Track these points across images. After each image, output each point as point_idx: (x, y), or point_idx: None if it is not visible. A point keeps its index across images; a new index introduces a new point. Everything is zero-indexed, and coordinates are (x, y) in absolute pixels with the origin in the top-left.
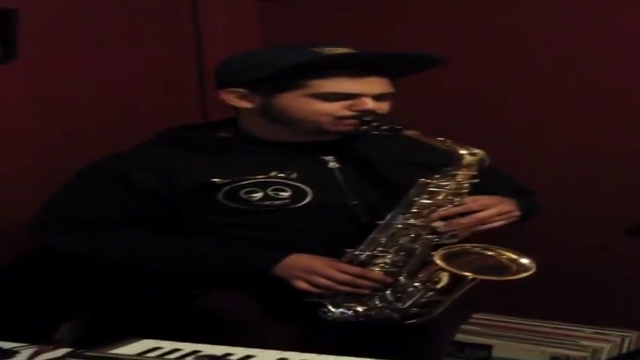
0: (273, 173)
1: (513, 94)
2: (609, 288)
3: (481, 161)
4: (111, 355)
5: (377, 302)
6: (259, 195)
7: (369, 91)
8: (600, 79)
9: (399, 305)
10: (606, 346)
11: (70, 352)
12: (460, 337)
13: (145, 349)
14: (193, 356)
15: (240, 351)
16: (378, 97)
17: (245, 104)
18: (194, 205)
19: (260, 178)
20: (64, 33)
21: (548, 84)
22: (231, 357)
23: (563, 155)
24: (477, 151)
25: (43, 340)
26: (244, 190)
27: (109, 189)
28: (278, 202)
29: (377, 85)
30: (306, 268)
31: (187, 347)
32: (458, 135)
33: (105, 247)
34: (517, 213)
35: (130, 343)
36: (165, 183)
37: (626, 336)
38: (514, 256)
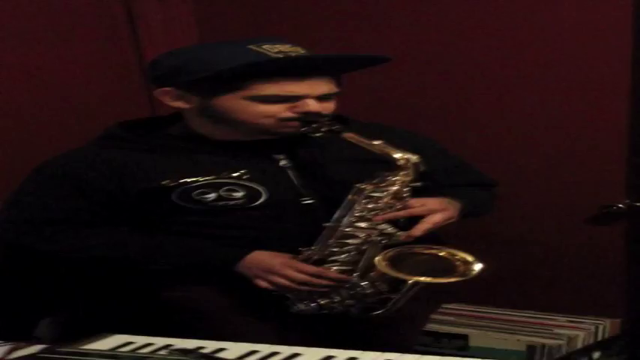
0: (225, 173)
1: (475, 83)
2: (582, 277)
3: (415, 166)
4: (84, 351)
5: (335, 297)
6: (212, 196)
7: (312, 92)
8: (561, 65)
9: (354, 302)
10: (581, 334)
11: (44, 349)
12: (436, 327)
13: (118, 344)
14: (165, 350)
15: (212, 344)
16: (321, 98)
17: (181, 104)
18: (149, 206)
19: (211, 179)
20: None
21: (509, 72)
22: (203, 350)
23: (532, 146)
24: (411, 156)
25: (22, 337)
26: (196, 192)
27: (63, 191)
28: (232, 203)
29: (320, 85)
30: (266, 268)
31: (159, 341)
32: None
33: (67, 247)
34: (455, 218)
35: (103, 338)
36: (118, 186)
37: (599, 324)
38: (462, 256)
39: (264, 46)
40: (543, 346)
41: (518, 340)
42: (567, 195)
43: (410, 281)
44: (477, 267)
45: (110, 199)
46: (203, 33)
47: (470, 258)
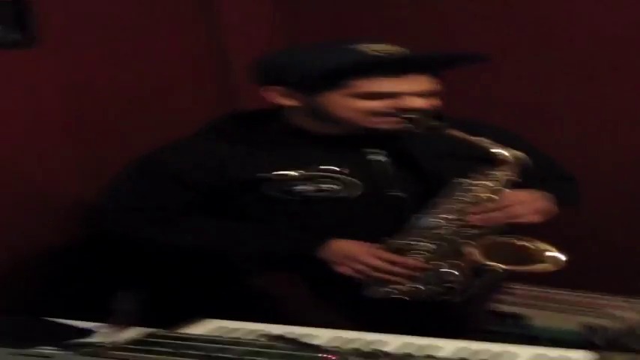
0: (323, 167)
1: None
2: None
3: (520, 162)
4: (186, 336)
5: (416, 284)
6: (308, 188)
7: (414, 90)
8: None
9: (435, 288)
10: (637, 315)
11: (149, 334)
12: (497, 306)
13: (211, 329)
14: (259, 335)
15: (300, 330)
16: (422, 95)
17: (288, 102)
18: (247, 196)
19: (309, 171)
20: (84, 18)
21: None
22: (292, 335)
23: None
24: (517, 153)
25: (101, 308)
26: (294, 183)
27: (163, 182)
28: (327, 195)
29: (421, 83)
30: (347, 255)
31: (253, 327)
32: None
33: (164, 233)
34: (553, 209)
35: (197, 323)
36: (216, 178)
37: None
38: (546, 248)
39: (362, 45)
40: (600, 326)
41: (576, 320)
42: (631, 181)
43: (500, 269)
44: (561, 257)
45: (208, 191)
46: (283, 27)
47: (551, 249)
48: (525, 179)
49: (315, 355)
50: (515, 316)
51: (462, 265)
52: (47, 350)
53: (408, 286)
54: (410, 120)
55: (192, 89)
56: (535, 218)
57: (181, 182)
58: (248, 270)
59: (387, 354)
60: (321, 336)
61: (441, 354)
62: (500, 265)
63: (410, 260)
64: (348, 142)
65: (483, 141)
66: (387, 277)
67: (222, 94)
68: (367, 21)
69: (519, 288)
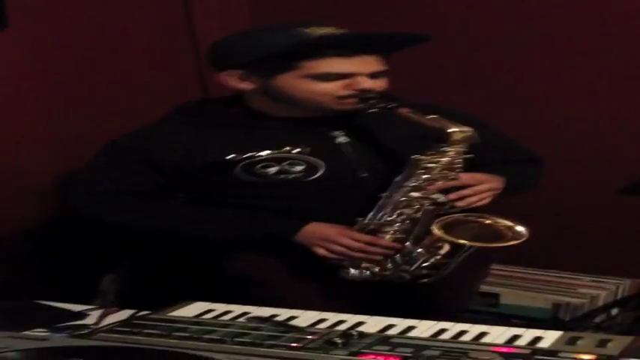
0: (287, 148)
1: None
2: (606, 241)
3: (470, 139)
4: (171, 318)
5: (389, 265)
6: (274, 169)
7: (364, 70)
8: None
9: (408, 268)
10: (602, 293)
11: (134, 316)
12: None
13: (200, 311)
14: (244, 317)
15: (284, 312)
16: (372, 75)
17: (245, 85)
18: (214, 179)
19: (273, 153)
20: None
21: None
22: (277, 317)
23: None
24: (465, 129)
25: (89, 290)
26: (259, 166)
27: (133, 165)
28: (292, 176)
29: (370, 63)
30: (323, 237)
31: (237, 309)
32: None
33: (135, 219)
34: (499, 190)
35: (185, 305)
36: (185, 161)
37: (619, 283)
38: (509, 224)
39: (311, 28)
40: (568, 304)
41: (545, 298)
42: (597, 164)
43: (465, 246)
44: (523, 231)
45: (178, 173)
46: (256, 17)
47: (515, 224)
48: (483, 162)
49: (298, 336)
50: (484, 294)
51: (430, 243)
52: (42, 333)
53: (381, 267)
54: (364, 100)
55: (166, 69)
56: (487, 200)
57: (150, 165)
58: (227, 253)
59: (363, 334)
60: (305, 318)
61: (416, 334)
62: (466, 241)
63: (383, 240)
64: (309, 123)
65: (432, 118)
66: (362, 256)
67: (196, 76)
68: (344, 4)
69: (491, 268)
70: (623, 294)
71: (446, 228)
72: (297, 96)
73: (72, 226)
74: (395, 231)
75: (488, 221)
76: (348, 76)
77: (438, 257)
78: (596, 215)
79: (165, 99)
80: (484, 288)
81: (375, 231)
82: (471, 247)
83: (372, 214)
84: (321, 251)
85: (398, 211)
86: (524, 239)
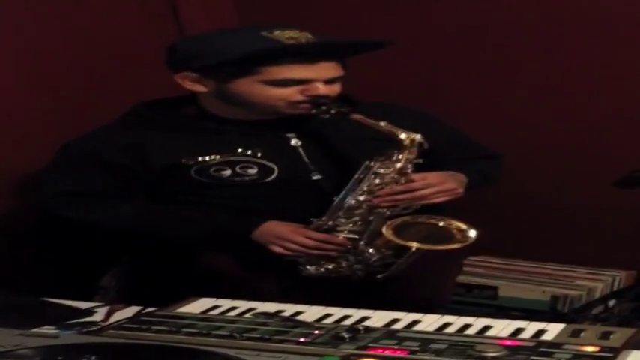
0: (239, 151)
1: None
2: (602, 234)
3: (419, 145)
4: (178, 314)
5: (343, 263)
6: (228, 172)
7: (321, 76)
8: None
9: (361, 266)
10: (599, 285)
11: (142, 312)
12: (468, 279)
13: (206, 307)
14: (250, 313)
15: (290, 307)
16: (328, 81)
17: (199, 88)
18: (171, 181)
19: (226, 156)
20: None
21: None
22: (283, 313)
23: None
24: (415, 136)
25: (91, 286)
26: (213, 169)
27: (89, 168)
28: (247, 179)
29: (327, 69)
30: (278, 235)
31: (243, 305)
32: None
33: (98, 218)
34: (460, 190)
35: (191, 301)
36: (139, 162)
37: (616, 275)
38: (462, 226)
39: (275, 33)
40: (565, 296)
41: (543, 291)
42: (597, 158)
43: (412, 248)
44: (472, 234)
45: (132, 175)
46: (242, 14)
47: (465, 226)
48: (440, 160)
49: (306, 331)
50: (483, 287)
51: (382, 244)
52: (51, 330)
53: (336, 264)
54: (318, 105)
55: (155, 58)
56: (441, 198)
57: (105, 167)
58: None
59: (370, 329)
60: (311, 313)
61: (422, 328)
62: (414, 243)
63: (337, 238)
64: (263, 126)
65: (383, 125)
66: (317, 253)
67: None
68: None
69: (488, 260)
70: (619, 285)
71: (396, 230)
72: (252, 100)
73: (71, 223)
74: (348, 231)
75: (440, 223)
76: (306, 81)
77: (388, 256)
78: (590, 208)
79: (158, 88)
80: (483, 281)
81: (330, 231)
82: (417, 250)
83: (326, 215)
84: (277, 249)
85: (351, 213)
86: (470, 242)
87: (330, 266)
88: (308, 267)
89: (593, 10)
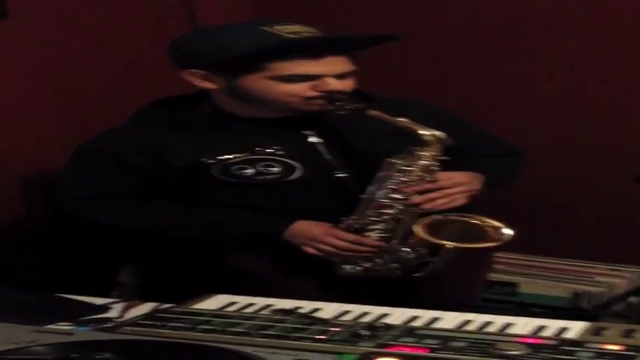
0: (259, 149)
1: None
2: (624, 231)
3: (442, 142)
4: (195, 310)
5: (378, 261)
6: (250, 171)
7: (329, 71)
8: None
9: (397, 265)
10: (621, 282)
11: (158, 309)
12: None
13: (223, 304)
14: (267, 310)
15: (308, 304)
16: (340, 76)
17: (208, 85)
18: (190, 181)
19: (247, 155)
20: None
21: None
22: (300, 309)
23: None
24: (436, 132)
25: (107, 283)
26: (235, 167)
27: (106, 169)
28: (270, 177)
29: (335, 64)
30: (310, 236)
31: (260, 301)
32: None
33: (120, 219)
34: (476, 190)
35: (208, 298)
36: (158, 163)
37: (637, 271)
38: (496, 224)
39: (275, 27)
40: (586, 292)
41: (563, 287)
42: (617, 154)
43: (449, 247)
44: (509, 232)
45: (152, 176)
46: (256, 6)
47: (499, 224)
48: (460, 157)
49: (323, 328)
50: (503, 284)
51: (416, 242)
52: (67, 327)
53: (373, 263)
54: (332, 101)
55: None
56: (463, 201)
57: (125, 168)
58: (220, 251)
59: (389, 326)
60: (328, 310)
61: (442, 325)
62: (450, 242)
63: (369, 239)
64: (279, 124)
65: (403, 121)
66: (349, 254)
67: None
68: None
69: (507, 256)
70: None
71: (429, 228)
72: (264, 97)
73: (93, 224)
74: (380, 230)
75: (474, 221)
76: (315, 77)
77: (424, 255)
78: (610, 205)
79: (171, 89)
80: (503, 277)
81: (360, 230)
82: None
83: (355, 213)
84: (310, 250)
85: (381, 211)
86: (507, 241)
87: (367, 265)
88: (344, 266)
89: (605, 6)
